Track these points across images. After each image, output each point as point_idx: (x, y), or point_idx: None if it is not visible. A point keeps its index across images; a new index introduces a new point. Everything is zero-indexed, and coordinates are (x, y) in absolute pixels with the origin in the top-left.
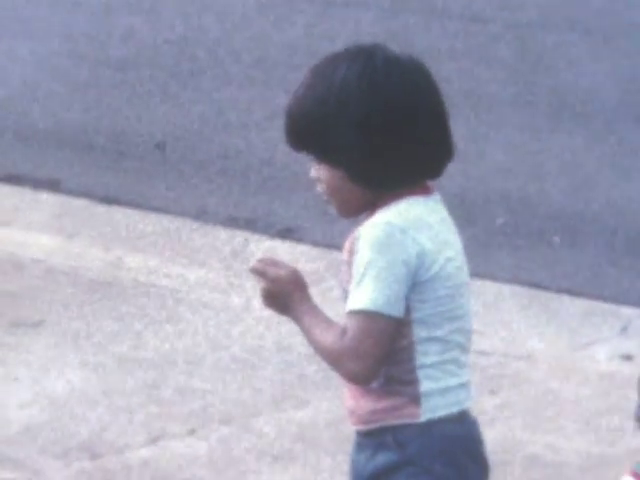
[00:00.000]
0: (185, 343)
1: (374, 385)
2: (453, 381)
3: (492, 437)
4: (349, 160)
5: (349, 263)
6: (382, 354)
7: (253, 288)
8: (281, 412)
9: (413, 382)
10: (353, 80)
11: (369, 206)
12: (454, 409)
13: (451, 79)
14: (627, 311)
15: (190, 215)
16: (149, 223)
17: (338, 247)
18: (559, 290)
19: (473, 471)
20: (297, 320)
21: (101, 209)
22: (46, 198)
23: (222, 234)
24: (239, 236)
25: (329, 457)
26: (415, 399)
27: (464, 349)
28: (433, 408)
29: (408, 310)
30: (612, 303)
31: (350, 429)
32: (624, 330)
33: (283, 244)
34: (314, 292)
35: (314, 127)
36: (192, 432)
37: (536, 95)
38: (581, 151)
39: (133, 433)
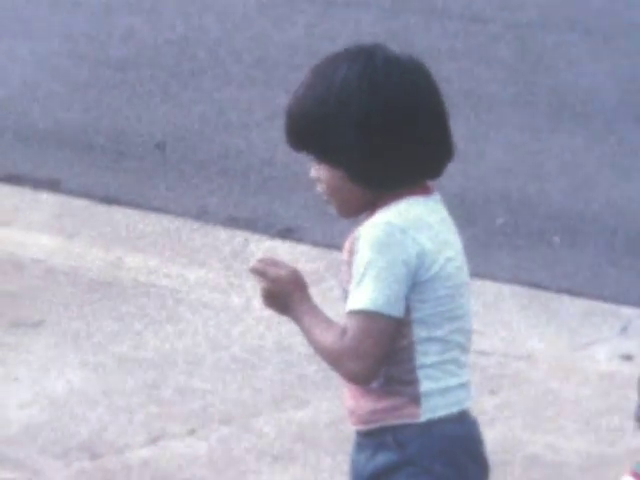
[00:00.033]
0: (185, 343)
1: (374, 385)
2: (453, 381)
3: (492, 437)
4: (349, 160)
5: (349, 263)
6: (382, 354)
7: (253, 288)
8: (281, 412)
9: (413, 382)
10: (353, 80)
11: (369, 206)
12: (454, 409)
13: (451, 79)
14: (627, 311)
15: (190, 215)
16: (149, 223)
17: (338, 247)
18: (559, 290)
19: (473, 471)
20: (297, 320)
21: (101, 209)
22: (46, 198)
23: (222, 234)
24: (239, 236)
25: (329, 457)
26: (415, 399)
27: (464, 349)
28: (433, 408)
29: (408, 310)
30: (612, 303)
31: (350, 429)
32: (624, 330)
33: (283, 244)
34: (314, 292)
35: (314, 127)
36: (192, 432)
37: (536, 95)
38: (581, 151)
39: (133, 433)
